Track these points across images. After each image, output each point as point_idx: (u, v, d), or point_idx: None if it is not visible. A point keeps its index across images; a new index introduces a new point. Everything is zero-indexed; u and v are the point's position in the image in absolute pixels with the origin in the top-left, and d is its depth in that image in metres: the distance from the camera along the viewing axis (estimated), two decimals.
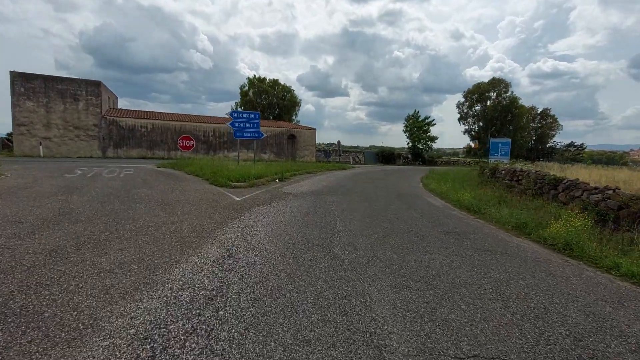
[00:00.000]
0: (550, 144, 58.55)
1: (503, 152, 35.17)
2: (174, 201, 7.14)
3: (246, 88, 49.43)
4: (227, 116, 50.99)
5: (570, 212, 8.80)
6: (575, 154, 56.72)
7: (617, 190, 7.93)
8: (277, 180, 12.48)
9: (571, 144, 59.72)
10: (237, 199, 7.89)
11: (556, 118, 59.40)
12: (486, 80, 55.07)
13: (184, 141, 17.86)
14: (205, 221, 5.49)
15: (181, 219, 5.55)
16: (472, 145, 57.25)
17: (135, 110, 28.46)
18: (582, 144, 60.87)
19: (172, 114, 29.96)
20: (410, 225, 6.04)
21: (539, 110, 59.21)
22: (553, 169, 17.08)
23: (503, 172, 15.29)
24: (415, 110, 44.98)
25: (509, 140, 38.19)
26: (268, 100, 48.23)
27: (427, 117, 44.02)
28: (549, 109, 59.43)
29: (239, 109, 50.23)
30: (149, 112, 28.81)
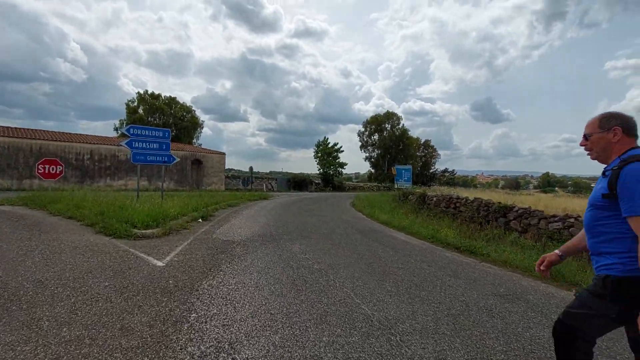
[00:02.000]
0: (432, 170, 67.19)
1: (406, 178, 38.05)
2: (33, 283, 3.73)
3: (135, 104, 42.37)
4: (116, 134, 42.49)
5: (529, 240, 8.64)
6: (449, 178, 66.36)
7: (579, 219, 7.91)
8: (200, 220, 9.33)
9: (445, 170, 69.71)
10: (159, 263, 4.81)
11: (435, 148, 69.09)
12: (371, 114, 60.86)
13: (48, 166, 12.74)
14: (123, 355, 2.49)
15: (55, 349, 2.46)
16: (373, 171, 61.52)
17: None
18: (454, 170, 71.98)
19: (28, 129, 22.52)
20: (433, 287, 4.23)
21: (422, 141, 67.85)
22: (456, 192, 18.43)
23: (435, 199, 15.35)
24: (324, 137, 45.70)
25: (410, 167, 41.90)
26: (163, 120, 42.17)
27: (335, 144, 45.11)
28: (430, 140, 68.67)
29: (124, 128, 42.52)
30: None
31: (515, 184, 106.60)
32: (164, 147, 10.65)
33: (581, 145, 1.77)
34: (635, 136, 1.64)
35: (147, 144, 10.24)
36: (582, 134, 1.77)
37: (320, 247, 6.48)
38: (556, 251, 1.93)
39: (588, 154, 1.76)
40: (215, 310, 3.21)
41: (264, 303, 3.46)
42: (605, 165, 1.65)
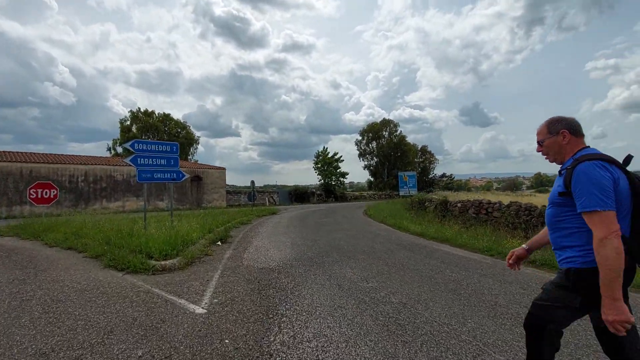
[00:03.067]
0: (431, 176, 66.60)
1: (411, 185, 37.17)
2: (35, 358, 2.62)
3: (128, 122, 41.19)
4: (109, 154, 40.96)
5: None
6: (447, 182, 65.83)
7: None
8: (219, 243, 8.19)
9: (443, 175, 69.19)
10: (198, 309, 3.69)
11: (433, 154, 68.68)
12: (362, 124, 60.49)
13: (40, 190, 11.53)
14: None
15: None
16: (372, 180, 60.66)
17: None
18: (452, 174, 71.52)
19: (17, 153, 21.19)
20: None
21: (419, 147, 67.36)
22: (467, 196, 17.64)
23: (459, 205, 14.41)
24: (324, 147, 44.86)
25: (415, 173, 41.13)
26: (158, 137, 40.98)
27: (335, 154, 44.27)
28: (427, 146, 68.25)
29: (118, 148, 41.14)
30: None
31: (512, 185, 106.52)
32: (172, 163, 9.54)
33: (537, 151, 1.84)
34: (582, 135, 1.74)
35: (154, 160, 9.13)
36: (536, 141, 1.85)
37: (377, 271, 5.42)
38: (523, 246, 2.03)
39: (546, 158, 1.82)
40: None
41: None
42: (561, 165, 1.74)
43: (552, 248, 1.75)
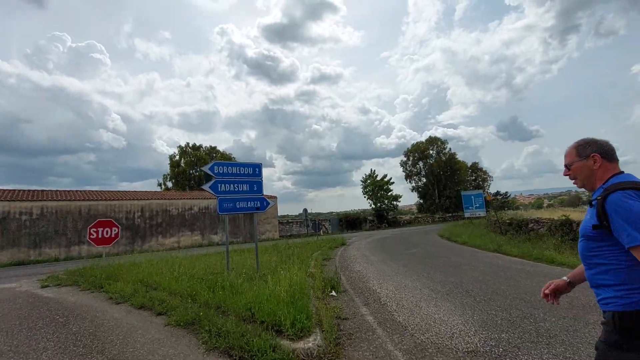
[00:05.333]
0: (484, 195, 61.12)
1: (477, 205, 33.40)
2: None
3: (177, 157, 41.69)
4: (161, 187, 41.41)
5: None
6: (502, 201, 60.11)
7: None
8: (332, 293, 5.91)
9: (497, 193, 63.52)
10: None
11: (486, 171, 63.73)
12: (393, 147, 57.56)
13: (101, 229, 10.10)
14: None
15: None
16: (422, 202, 56.67)
17: (10, 190, 18.85)
18: (507, 192, 65.55)
19: (76, 191, 20.92)
20: None
21: (470, 164, 62.74)
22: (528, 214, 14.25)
23: None
24: (372, 170, 42.48)
25: (481, 192, 37.26)
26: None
27: (385, 176, 41.60)
28: (477, 163, 63.54)
29: (168, 183, 41.49)
30: (36, 191, 19.45)
31: (575, 200, 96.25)
32: (256, 188, 7.63)
33: (565, 175, 1.72)
34: (616, 160, 1.60)
35: (236, 185, 7.27)
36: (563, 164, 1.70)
37: None
38: (564, 277, 1.83)
39: (574, 183, 1.71)
40: None
41: None
42: (592, 193, 1.60)
43: (589, 285, 1.57)
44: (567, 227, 12.33)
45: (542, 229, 14.11)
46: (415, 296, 5.53)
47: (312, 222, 24.06)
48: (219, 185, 7.08)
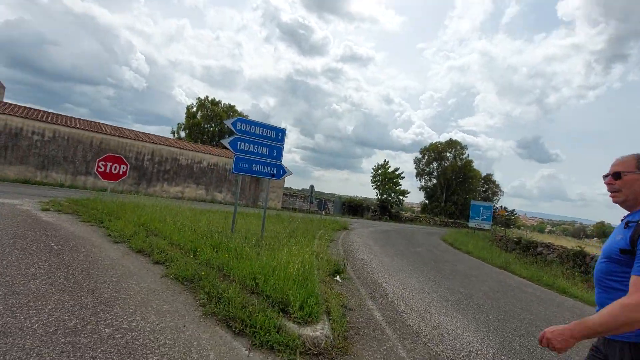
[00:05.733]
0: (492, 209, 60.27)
1: (485, 217, 32.69)
2: None
3: (194, 109, 41.25)
4: (173, 135, 41.34)
5: None
6: (507, 218, 59.19)
7: None
8: (337, 278, 5.60)
9: (505, 209, 62.28)
10: None
11: (498, 184, 62.37)
12: (409, 142, 56.29)
13: (110, 164, 9.86)
14: None
15: None
16: (427, 202, 56.07)
17: (26, 107, 18.67)
18: (514, 210, 64.53)
19: (90, 121, 20.72)
20: None
21: (483, 175, 61.42)
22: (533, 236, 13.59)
23: None
24: (384, 160, 41.72)
25: (491, 205, 36.54)
26: (220, 127, 40.52)
27: (396, 169, 40.89)
28: (491, 175, 62.13)
29: (181, 132, 41.26)
30: (51, 113, 19.26)
31: (580, 232, 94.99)
32: (275, 154, 7.21)
33: (607, 183, 1.56)
34: None
35: (256, 146, 6.85)
36: (611, 171, 1.56)
37: None
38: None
39: (612, 195, 1.54)
40: None
41: None
42: (629, 213, 1.48)
43: (597, 309, 1.44)
44: (580, 259, 11.86)
45: (551, 255, 13.66)
46: (424, 299, 5.20)
47: (318, 201, 23.77)
48: (239, 142, 6.66)
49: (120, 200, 9.12)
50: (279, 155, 7.30)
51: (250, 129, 6.89)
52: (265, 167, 7.13)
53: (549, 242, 14.92)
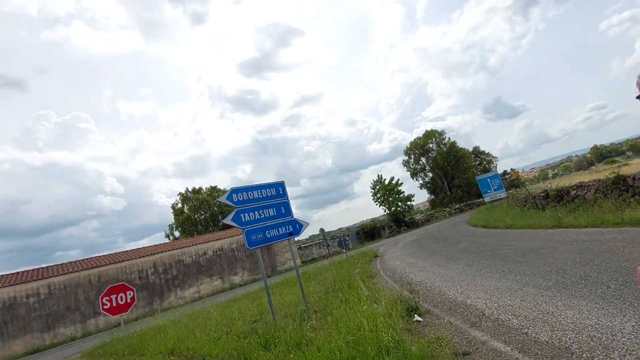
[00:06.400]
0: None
1: (496, 187, 31.96)
2: None
3: (179, 205, 40.60)
4: (169, 238, 39.94)
5: None
6: (512, 180, 58.76)
7: None
8: (417, 318, 4.65)
9: (505, 172, 62.17)
10: None
11: (489, 153, 62.70)
12: (387, 151, 56.97)
13: (114, 297, 8.84)
14: None
15: None
16: (433, 197, 55.31)
17: (13, 273, 17.54)
18: (512, 168, 64.34)
19: (82, 260, 19.63)
20: None
21: (471, 149, 61.67)
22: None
23: None
24: (379, 175, 41.29)
25: (497, 172, 36.05)
26: (210, 212, 39.75)
27: (392, 179, 40.38)
28: (479, 146, 62.61)
29: (175, 232, 40.16)
30: (41, 268, 18.15)
31: (583, 163, 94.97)
32: (284, 211, 6.48)
33: None
34: None
35: (261, 211, 6.12)
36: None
37: None
38: None
39: None
40: None
41: None
42: None
43: None
44: (622, 184, 11.10)
45: (588, 193, 12.86)
46: (526, 300, 4.27)
47: (338, 239, 22.66)
48: (242, 215, 5.92)
49: (138, 331, 8.02)
50: (288, 211, 6.54)
51: (248, 196, 6.19)
52: (281, 229, 6.33)
53: (580, 182, 14.14)
